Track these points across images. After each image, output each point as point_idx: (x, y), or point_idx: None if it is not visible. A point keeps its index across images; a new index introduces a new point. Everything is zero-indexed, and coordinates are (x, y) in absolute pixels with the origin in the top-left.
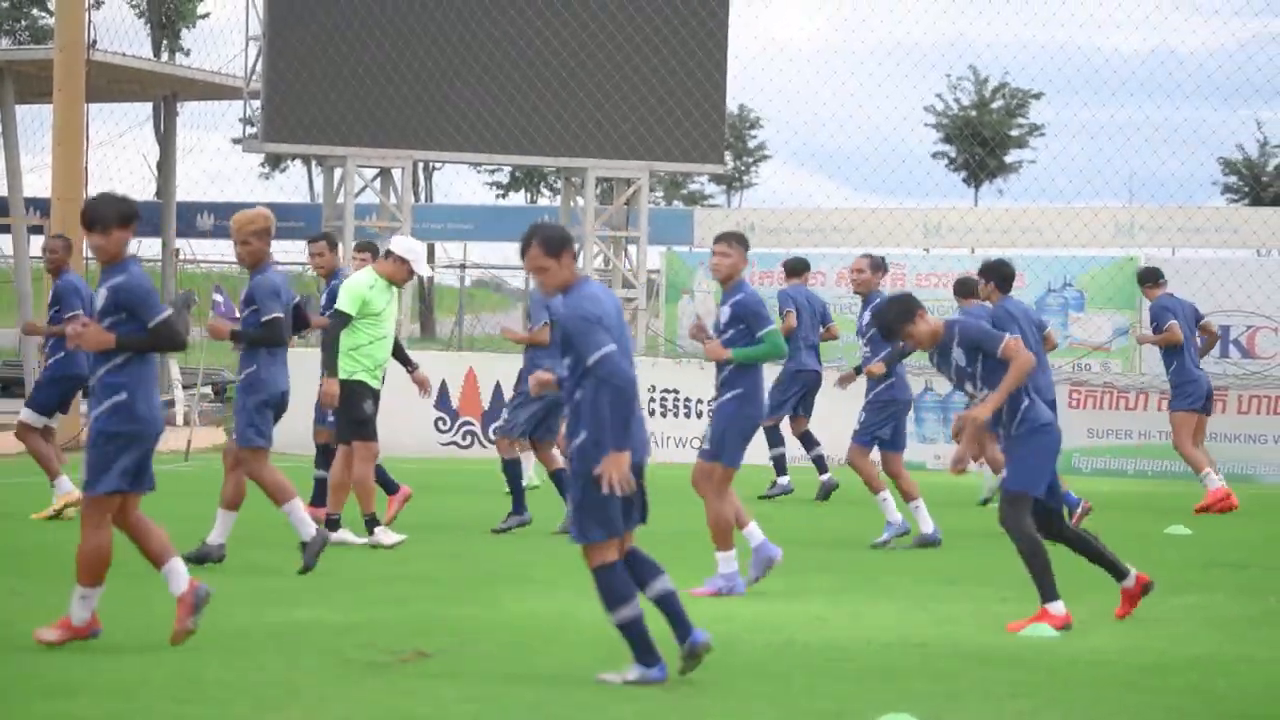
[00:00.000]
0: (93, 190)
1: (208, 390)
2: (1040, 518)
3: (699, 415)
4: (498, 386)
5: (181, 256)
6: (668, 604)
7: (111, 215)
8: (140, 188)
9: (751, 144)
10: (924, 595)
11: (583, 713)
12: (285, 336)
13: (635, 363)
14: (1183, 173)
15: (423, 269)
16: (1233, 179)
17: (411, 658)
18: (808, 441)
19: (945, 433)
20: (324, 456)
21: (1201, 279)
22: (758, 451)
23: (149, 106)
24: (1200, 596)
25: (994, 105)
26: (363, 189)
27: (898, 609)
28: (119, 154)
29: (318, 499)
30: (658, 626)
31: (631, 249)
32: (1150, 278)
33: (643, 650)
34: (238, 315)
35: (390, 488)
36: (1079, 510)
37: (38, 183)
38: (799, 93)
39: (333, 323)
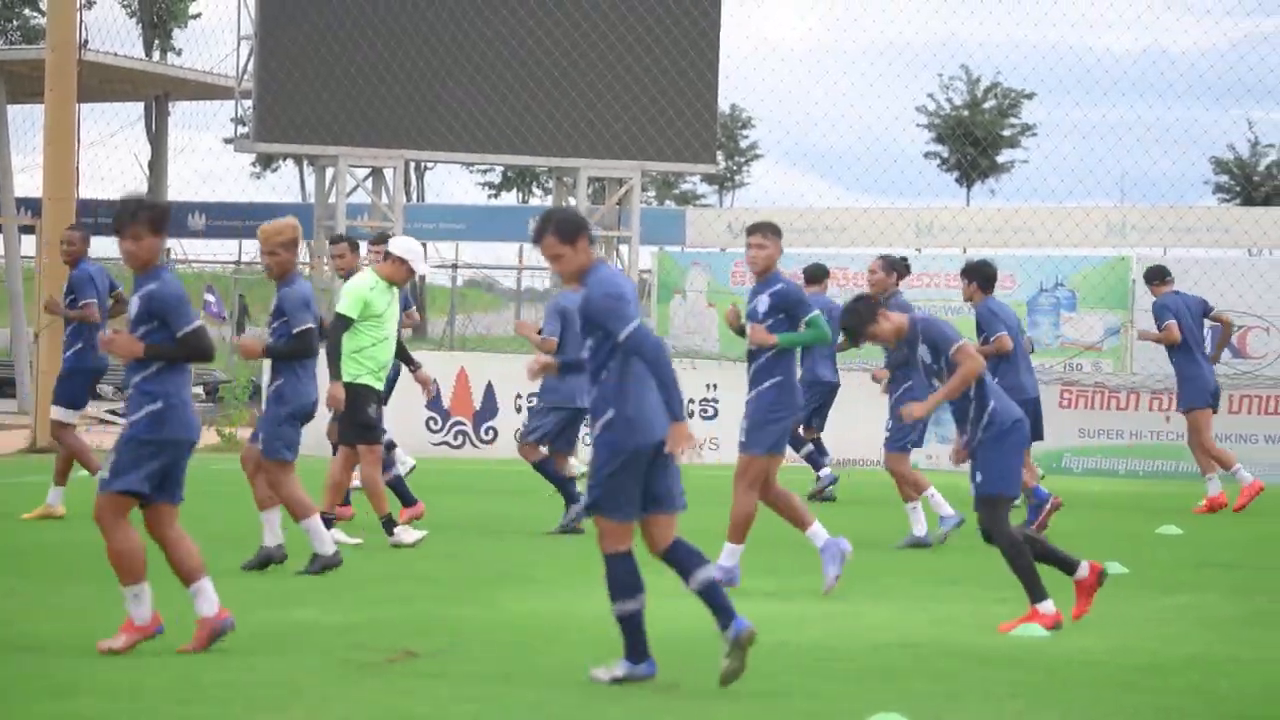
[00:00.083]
0: (84, 190)
1: (199, 390)
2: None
3: (690, 415)
4: (489, 386)
5: (173, 256)
6: (710, 593)
7: (142, 221)
8: (132, 188)
9: (743, 144)
10: (921, 596)
11: (581, 713)
12: (318, 347)
13: None
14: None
15: (422, 268)
16: (1224, 179)
17: (400, 658)
18: (818, 449)
19: (939, 433)
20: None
21: (1193, 278)
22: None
23: (140, 106)
24: (1192, 596)
25: (986, 105)
26: (354, 189)
27: (894, 609)
28: (110, 154)
29: (345, 500)
30: (664, 626)
31: (623, 249)
32: (1155, 276)
33: (634, 646)
34: (226, 315)
35: (407, 500)
36: (1048, 506)
37: (29, 182)
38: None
39: (334, 326)
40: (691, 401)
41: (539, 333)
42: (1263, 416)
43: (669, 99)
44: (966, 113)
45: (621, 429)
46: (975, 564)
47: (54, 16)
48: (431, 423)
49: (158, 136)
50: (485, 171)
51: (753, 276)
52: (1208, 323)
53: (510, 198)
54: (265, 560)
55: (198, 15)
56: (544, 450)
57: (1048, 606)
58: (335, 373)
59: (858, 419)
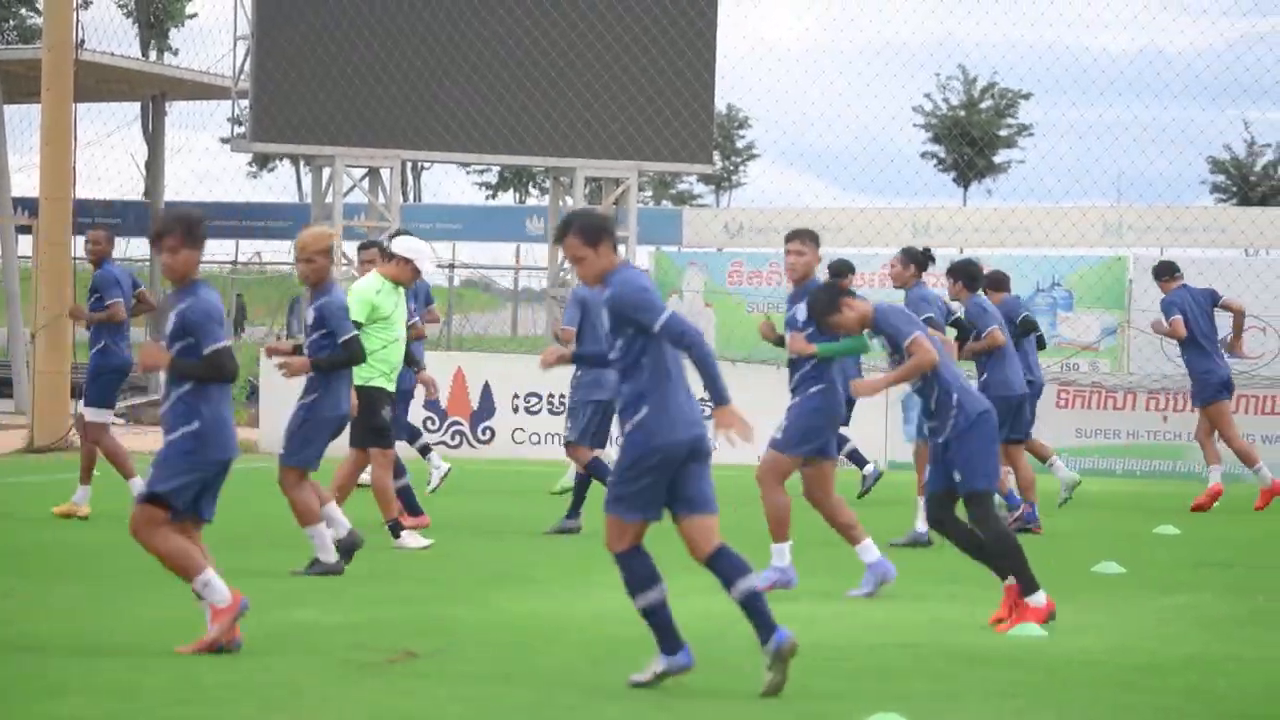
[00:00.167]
0: (81, 190)
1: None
2: (941, 505)
3: None
4: (486, 386)
5: None
6: (751, 604)
7: (178, 233)
8: (128, 187)
9: (740, 144)
10: (918, 595)
11: (579, 713)
12: (364, 353)
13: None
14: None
15: (427, 266)
16: (1221, 178)
17: (400, 658)
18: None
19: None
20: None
21: (1189, 278)
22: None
23: (137, 106)
24: (1190, 596)
25: (983, 105)
26: (351, 189)
27: (892, 609)
28: (107, 154)
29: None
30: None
31: (620, 249)
32: (1164, 272)
33: (664, 637)
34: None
35: (414, 510)
36: (1019, 514)
37: (25, 182)
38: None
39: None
40: None
41: (559, 330)
42: (1260, 416)
43: (666, 99)
44: (963, 113)
45: (653, 428)
46: (972, 564)
47: (50, 16)
48: (429, 423)
49: (154, 136)
50: (482, 171)
51: (776, 283)
52: (1219, 312)
53: (507, 198)
54: (350, 549)
55: (194, 15)
56: (596, 452)
57: (1039, 598)
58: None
59: (858, 418)
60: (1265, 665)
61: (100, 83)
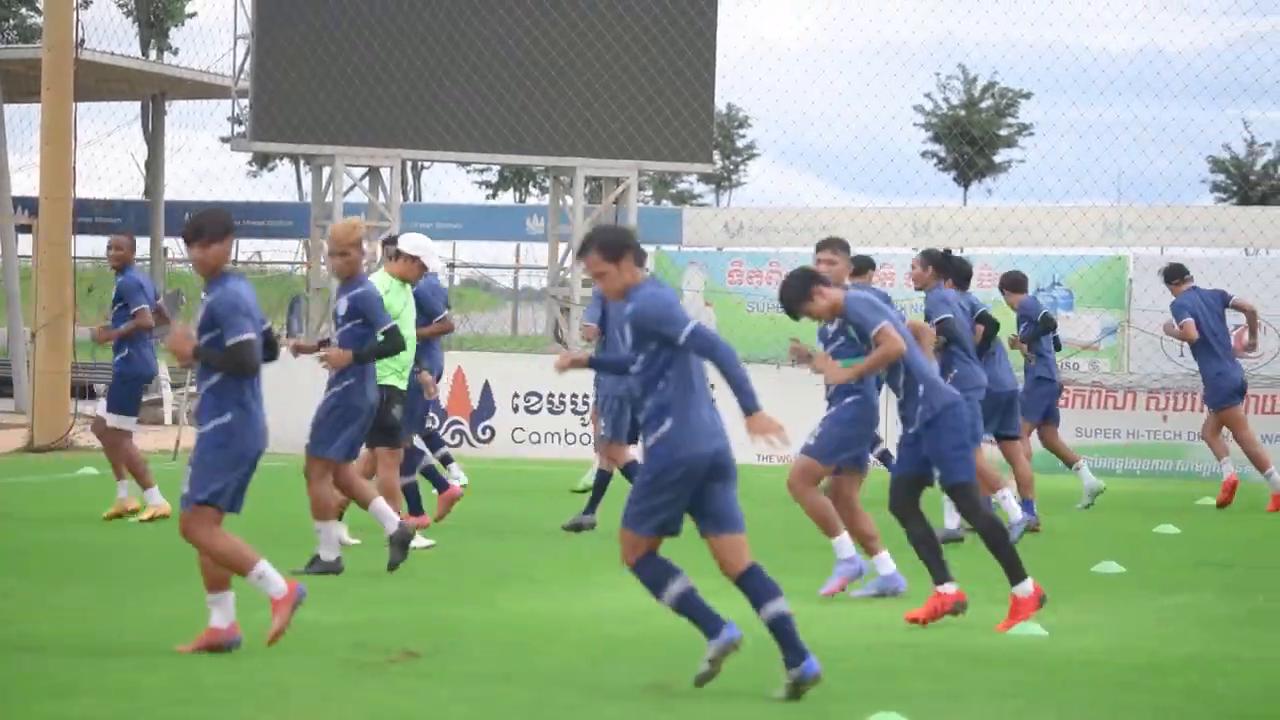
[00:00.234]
0: (81, 190)
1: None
2: (905, 490)
3: None
4: (486, 385)
5: (170, 256)
6: (780, 627)
7: (208, 230)
8: (128, 187)
9: (740, 143)
10: (920, 596)
11: (579, 713)
12: (405, 343)
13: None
14: (1171, 172)
15: (434, 263)
16: (1221, 178)
17: (401, 658)
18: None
19: None
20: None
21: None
22: None
23: (137, 105)
24: (1190, 596)
25: (983, 105)
26: (351, 188)
27: (892, 609)
28: (107, 153)
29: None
30: (665, 626)
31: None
32: (1174, 275)
33: (704, 622)
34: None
35: (416, 509)
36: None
37: (25, 182)
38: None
39: None
40: None
41: (583, 327)
42: (1261, 416)
43: (666, 98)
44: (963, 112)
45: (676, 441)
46: (974, 564)
47: (50, 15)
48: (428, 422)
49: (154, 136)
50: (482, 171)
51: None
52: (1230, 312)
53: (507, 197)
54: (403, 542)
55: (194, 14)
56: (631, 451)
57: (1026, 587)
58: None
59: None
60: (1265, 665)
61: (100, 82)
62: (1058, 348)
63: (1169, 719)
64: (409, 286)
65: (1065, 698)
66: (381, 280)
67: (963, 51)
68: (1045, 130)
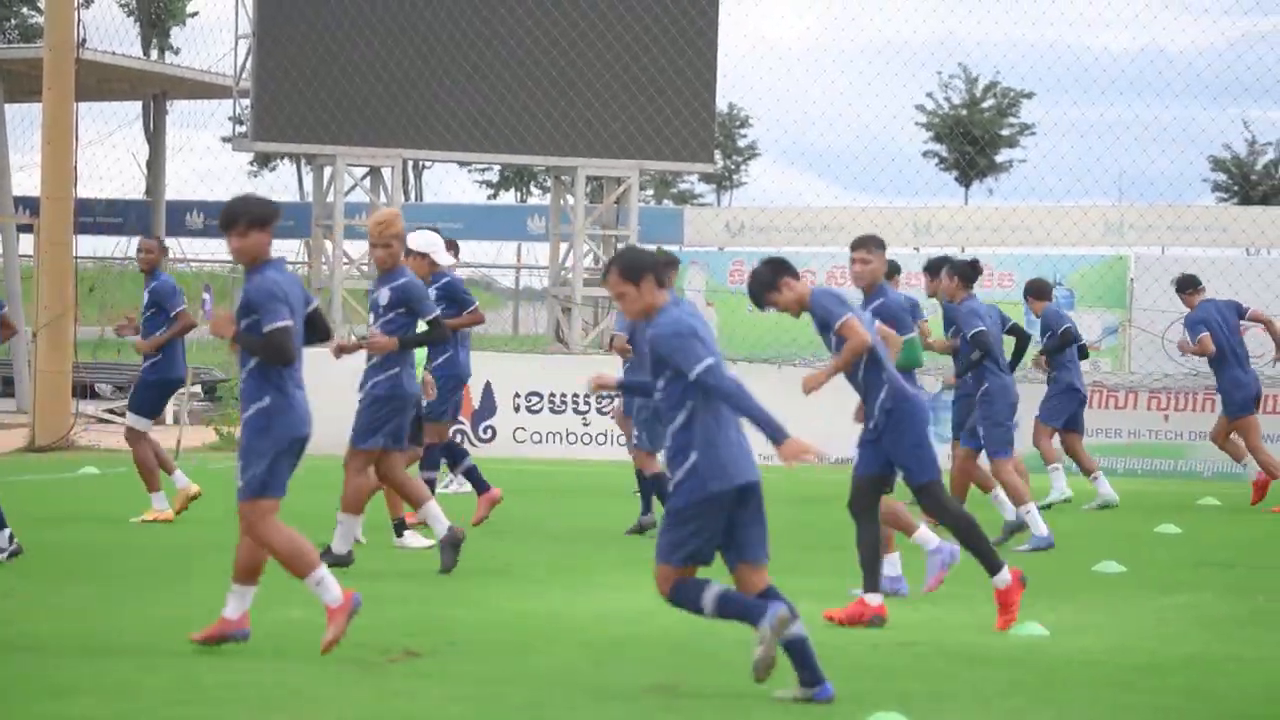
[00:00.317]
0: (82, 190)
1: (197, 389)
2: (866, 490)
3: None
4: (487, 385)
5: (171, 255)
6: (798, 649)
7: (247, 218)
8: (129, 187)
9: (741, 143)
10: (919, 595)
11: (576, 713)
12: (449, 333)
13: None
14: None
15: (443, 259)
16: (1222, 177)
17: (400, 658)
18: None
19: (938, 432)
20: (428, 456)
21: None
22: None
23: (138, 105)
24: (1190, 595)
25: (985, 104)
26: (352, 188)
27: (891, 609)
28: (108, 153)
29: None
30: (665, 626)
31: (620, 248)
32: (1187, 285)
33: (750, 614)
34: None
35: (481, 487)
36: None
37: (27, 181)
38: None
39: None
40: None
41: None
42: (1261, 416)
43: (667, 98)
44: (965, 112)
45: (704, 474)
46: (968, 564)
47: (52, 15)
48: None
49: (155, 135)
50: (483, 171)
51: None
52: (1244, 324)
53: (508, 197)
54: (454, 544)
55: (195, 14)
56: (659, 462)
57: (1003, 577)
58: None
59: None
60: (1265, 665)
61: (101, 82)
62: (1084, 355)
63: (1169, 719)
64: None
65: (1065, 698)
66: None
67: (964, 51)
68: (1046, 130)
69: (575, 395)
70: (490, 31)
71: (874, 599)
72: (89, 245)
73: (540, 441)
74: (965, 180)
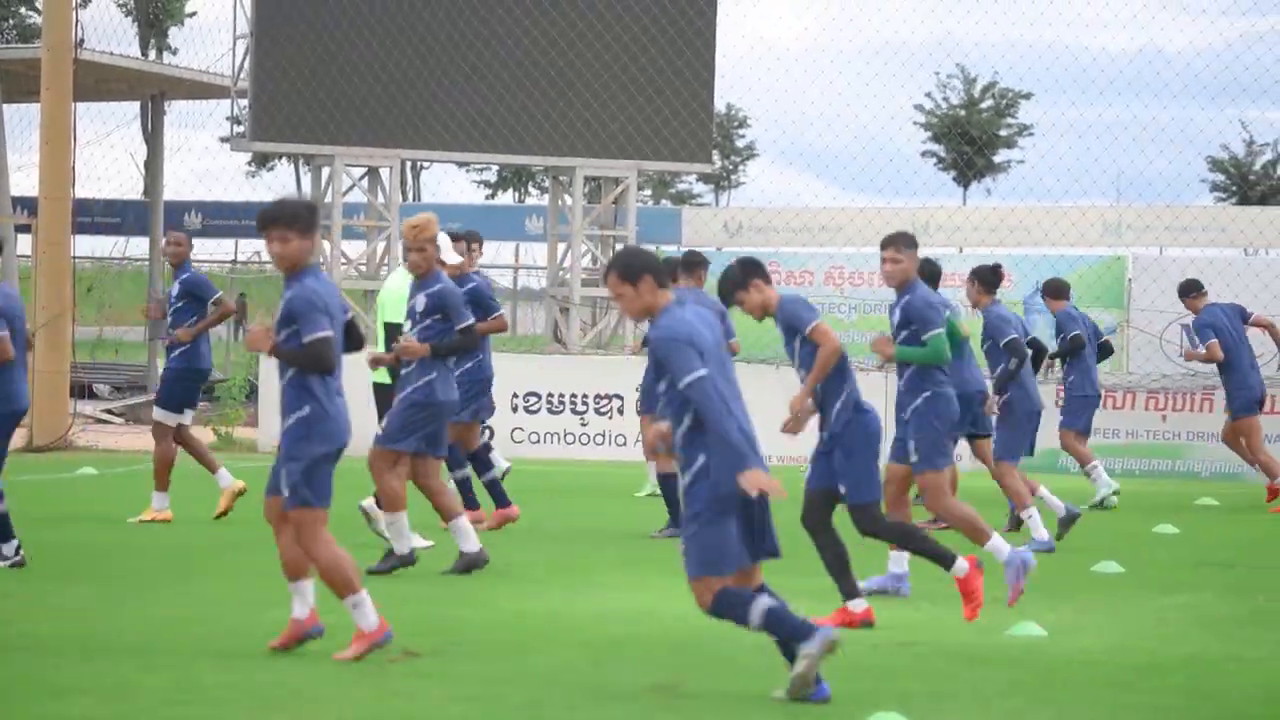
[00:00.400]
0: (80, 190)
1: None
2: (819, 503)
3: None
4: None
5: None
6: (790, 650)
7: (288, 223)
8: (128, 187)
9: (739, 143)
10: (914, 595)
11: (576, 713)
12: (479, 341)
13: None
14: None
15: (451, 257)
16: (1220, 178)
17: (400, 658)
18: None
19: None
20: (453, 456)
21: (1189, 278)
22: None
23: (136, 105)
24: (1190, 596)
25: (983, 105)
26: (350, 188)
27: (888, 608)
28: (106, 153)
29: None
30: (664, 626)
31: (619, 249)
32: (1190, 290)
33: (798, 634)
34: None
35: (473, 504)
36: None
37: (25, 181)
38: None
39: (388, 337)
40: None
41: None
42: (1261, 416)
43: (665, 98)
44: (963, 112)
45: (717, 473)
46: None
47: (50, 15)
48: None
49: (154, 135)
50: (481, 171)
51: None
52: (1246, 328)
53: (506, 197)
54: (472, 565)
55: (193, 14)
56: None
57: (960, 566)
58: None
59: None
60: (1265, 665)
61: (99, 82)
62: (1107, 353)
63: (1169, 719)
64: None
65: (1064, 698)
66: (400, 278)
67: (962, 52)
68: (1045, 130)
69: (574, 396)
70: (489, 32)
71: (857, 605)
72: (87, 245)
73: (538, 442)
74: (963, 180)
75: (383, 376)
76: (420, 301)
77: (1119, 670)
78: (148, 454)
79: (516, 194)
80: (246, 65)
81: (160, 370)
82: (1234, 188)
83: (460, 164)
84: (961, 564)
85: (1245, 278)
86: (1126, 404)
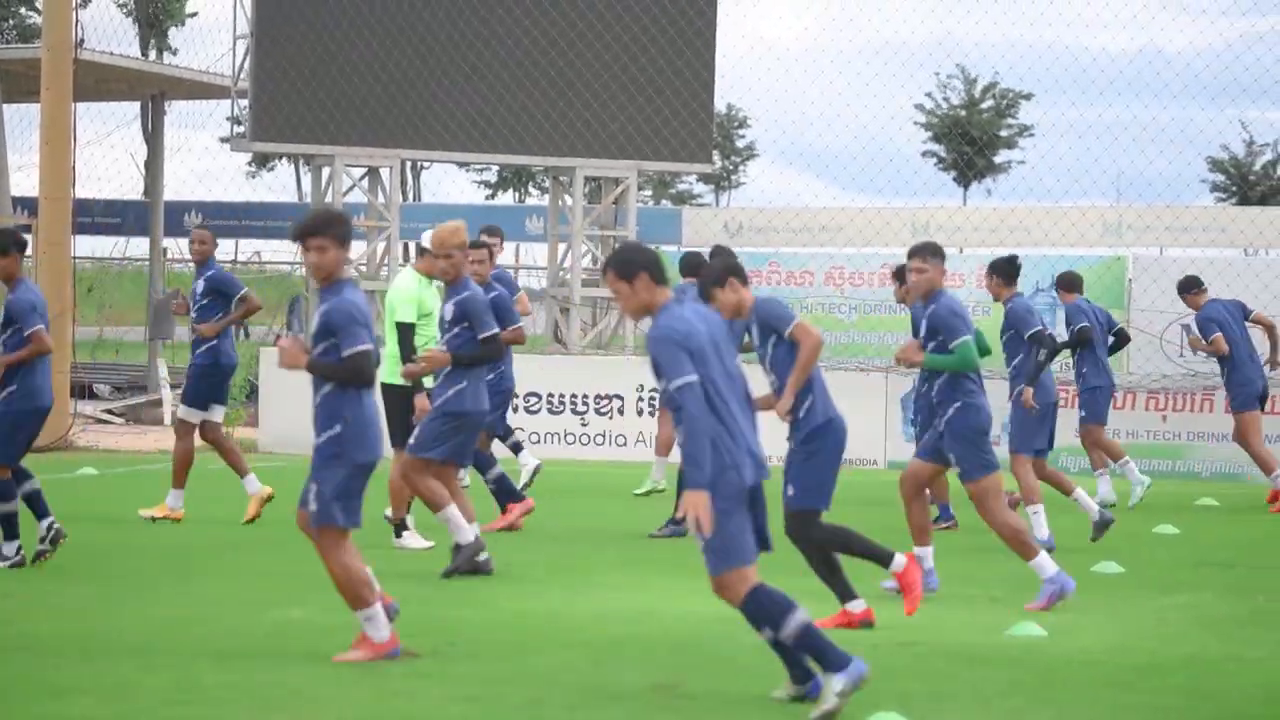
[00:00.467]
0: (80, 190)
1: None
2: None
3: None
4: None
5: (169, 256)
6: (787, 646)
7: (326, 233)
8: (128, 187)
9: (740, 143)
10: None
11: (576, 713)
12: (504, 350)
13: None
14: (1170, 172)
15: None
16: (1220, 178)
17: (400, 658)
18: None
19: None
20: (480, 459)
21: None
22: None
23: (136, 105)
24: (1190, 596)
25: (983, 105)
26: (350, 188)
27: (888, 609)
28: (106, 153)
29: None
30: (665, 626)
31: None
32: (1190, 286)
33: (828, 660)
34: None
35: (516, 497)
36: (950, 523)
37: (25, 181)
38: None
39: (401, 338)
40: None
41: None
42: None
43: (665, 99)
44: (964, 112)
45: (714, 475)
46: (971, 565)
47: (50, 15)
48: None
49: (154, 136)
50: (481, 171)
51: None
52: (1249, 324)
53: (506, 197)
54: (473, 568)
55: (194, 14)
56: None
57: (898, 561)
58: (417, 384)
59: (859, 417)
60: (1265, 665)
61: (99, 82)
62: (1123, 342)
63: (1169, 719)
64: (437, 285)
65: (1064, 698)
66: (412, 281)
67: (962, 52)
68: (1045, 131)
69: (574, 396)
70: (489, 32)
71: (856, 606)
72: (87, 245)
73: (538, 442)
74: (964, 181)
75: (391, 377)
76: (449, 310)
77: (1119, 670)
78: (148, 454)
79: (516, 194)
80: (246, 65)
81: (159, 370)
82: (1234, 188)
83: (460, 164)
84: (900, 559)
85: (1245, 278)
86: (1126, 404)
